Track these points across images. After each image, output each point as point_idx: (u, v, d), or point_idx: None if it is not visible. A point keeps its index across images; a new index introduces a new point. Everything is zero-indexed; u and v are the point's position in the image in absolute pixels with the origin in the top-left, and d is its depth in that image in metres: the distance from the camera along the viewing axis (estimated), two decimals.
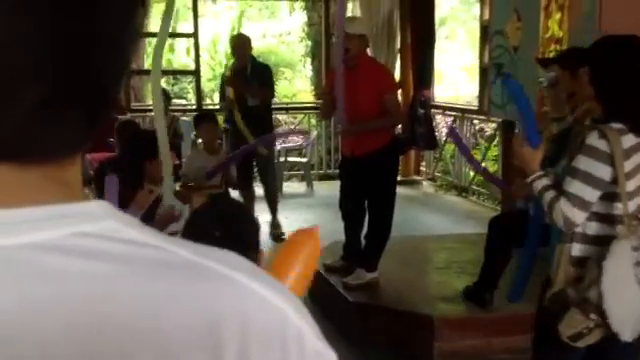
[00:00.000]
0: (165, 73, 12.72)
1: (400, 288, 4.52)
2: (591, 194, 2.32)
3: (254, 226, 1.81)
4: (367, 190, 4.57)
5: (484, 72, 7.14)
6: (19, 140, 0.43)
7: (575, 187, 2.32)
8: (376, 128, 4.39)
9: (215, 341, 0.43)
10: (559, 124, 3.48)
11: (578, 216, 2.32)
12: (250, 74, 5.96)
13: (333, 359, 0.49)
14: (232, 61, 6.41)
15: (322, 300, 4.73)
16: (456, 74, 14.58)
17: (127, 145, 3.78)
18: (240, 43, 6.16)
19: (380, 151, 4.39)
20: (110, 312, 0.42)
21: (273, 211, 6.38)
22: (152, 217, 3.13)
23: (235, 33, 10.65)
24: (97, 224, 0.45)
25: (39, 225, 0.43)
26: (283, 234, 6.25)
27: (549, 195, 2.39)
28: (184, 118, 7.19)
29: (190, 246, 0.47)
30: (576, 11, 4.23)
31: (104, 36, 0.44)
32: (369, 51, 7.79)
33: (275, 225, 6.38)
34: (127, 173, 2.98)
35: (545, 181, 2.45)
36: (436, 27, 8.69)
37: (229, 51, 7.27)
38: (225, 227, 1.66)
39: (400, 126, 8.57)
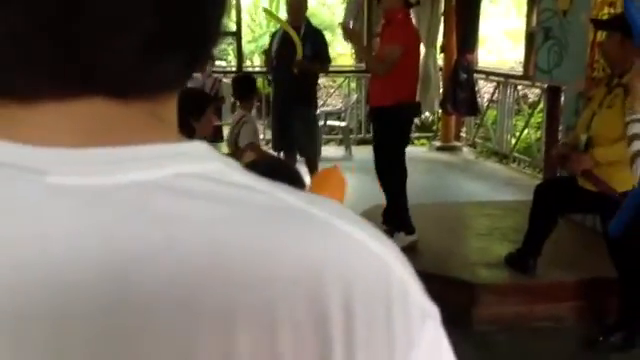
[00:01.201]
0: None
1: (440, 254, 4.50)
2: None
3: (302, 182, 1.81)
4: (378, 145, 4.70)
5: (530, 37, 6.99)
6: (129, 73, 0.42)
7: None
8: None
9: (321, 292, 0.42)
10: None
11: None
12: (303, 36, 5.83)
13: (437, 317, 0.48)
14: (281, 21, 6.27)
15: None
16: (500, 38, 14.30)
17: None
18: (296, 2, 5.97)
19: (386, 109, 4.48)
20: (219, 261, 0.41)
21: (313, 174, 6.36)
22: None
23: None
24: (202, 165, 0.44)
25: (143, 164, 0.42)
26: None
27: (637, 145, 2.24)
28: (225, 80, 7.17)
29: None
30: None
31: None
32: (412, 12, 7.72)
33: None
34: None
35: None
36: None
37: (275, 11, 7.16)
38: (281, 180, 1.67)
39: (441, 90, 8.53)
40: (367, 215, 4.79)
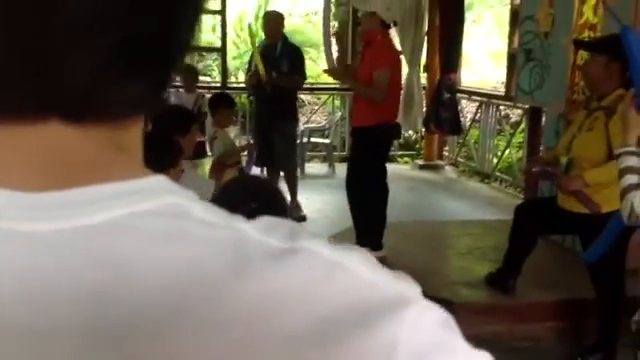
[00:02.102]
0: (191, 49, 12.73)
1: (421, 272, 4.50)
2: None
3: (284, 200, 1.80)
4: (355, 164, 4.79)
5: (512, 58, 7.06)
6: (87, 94, 0.40)
7: None
8: (354, 89, 4.82)
9: (285, 320, 0.40)
10: None
11: None
12: (280, 53, 5.88)
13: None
14: (260, 38, 6.35)
15: None
16: (483, 59, 14.43)
17: (158, 120, 3.71)
18: (272, 20, 6.09)
19: (367, 129, 4.57)
20: (171, 303, 0.39)
21: (292, 192, 6.35)
22: None
23: (263, 11, 10.60)
24: (159, 201, 0.42)
25: (95, 207, 0.40)
26: (303, 216, 6.25)
27: (629, 179, 2.21)
28: (208, 96, 7.18)
29: (254, 223, 0.44)
30: None
31: None
32: (394, 33, 7.77)
33: (294, 207, 6.37)
34: (158, 150, 2.93)
35: (632, 161, 2.25)
36: (465, 10, 8.59)
37: (257, 29, 7.21)
38: (260, 199, 1.66)
39: (424, 109, 8.58)
40: (349, 232, 4.81)
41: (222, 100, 5.23)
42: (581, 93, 4.62)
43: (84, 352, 0.38)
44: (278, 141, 5.84)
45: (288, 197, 6.32)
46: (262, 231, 0.43)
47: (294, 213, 6.29)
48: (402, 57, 8.49)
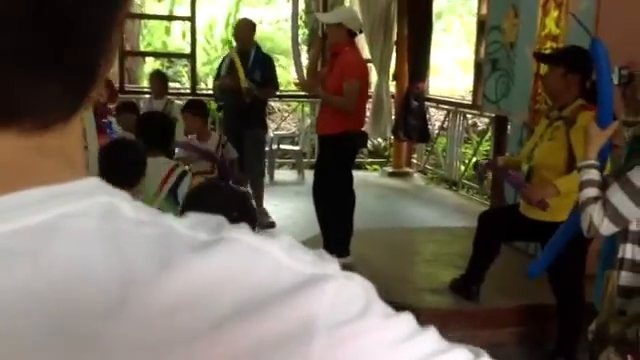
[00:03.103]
0: (160, 56, 12.76)
1: (387, 279, 4.54)
2: (630, 212, 2.16)
3: (254, 207, 1.82)
4: (321, 171, 4.83)
5: (479, 67, 7.17)
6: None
7: (617, 198, 2.16)
8: (325, 101, 4.80)
9: (213, 309, 0.42)
10: (634, 129, 3.03)
11: (605, 228, 2.18)
12: (252, 62, 5.91)
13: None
14: (232, 45, 6.36)
15: None
16: (451, 68, 14.59)
17: (145, 130, 3.63)
18: (244, 28, 6.11)
19: (333, 137, 4.62)
20: (102, 300, 0.40)
21: (258, 198, 6.35)
22: None
23: (233, 18, 10.59)
24: (89, 201, 0.43)
25: (21, 211, 0.41)
26: (271, 222, 6.25)
27: (588, 192, 2.23)
28: (178, 102, 7.16)
29: (182, 219, 0.46)
30: (573, 9, 4.24)
31: None
32: (363, 41, 7.83)
33: (261, 213, 6.35)
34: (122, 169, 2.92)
35: (592, 175, 2.28)
36: (433, 20, 8.69)
37: (225, 36, 7.22)
38: (238, 208, 1.68)
39: (393, 116, 8.66)
40: (317, 239, 4.83)
41: (194, 107, 5.22)
42: (544, 103, 4.71)
43: (17, 352, 0.40)
44: (247, 147, 5.85)
45: (254, 204, 6.34)
46: (189, 226, 0.45)
47: (261, 219, 6.28)
48: (371, 65, 8.61)
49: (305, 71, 5.11)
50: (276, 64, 6.63)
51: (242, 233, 0.45)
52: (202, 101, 5.65)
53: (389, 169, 9.24)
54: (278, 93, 7.44)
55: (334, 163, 4.64)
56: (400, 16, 8.69)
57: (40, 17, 0.40)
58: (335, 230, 4.74)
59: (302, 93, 9.47)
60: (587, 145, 2.36)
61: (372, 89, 8.72)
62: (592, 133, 2.34)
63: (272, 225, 6.19)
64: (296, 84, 5.20)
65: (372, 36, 8.73)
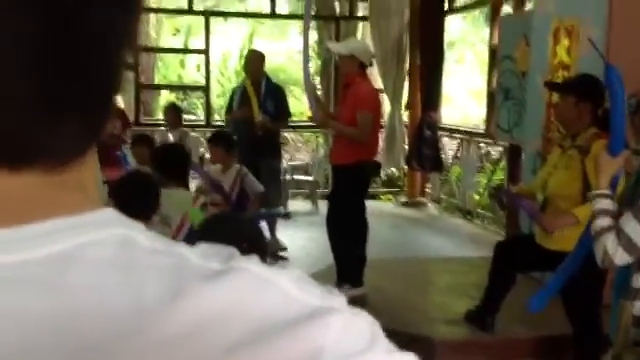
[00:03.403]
0: (175, 88, 12.91)
1: (401, 309, 4.52)
2: None
3: (264, 238, 1.82)
4: (335, 201, 4.81)
5: (491, 96, 7.18)
6: (15, 139, 0.42)
7: (631, 227, 2.15)
8: (339, 132, 4.77)
9: (224, 338, 0.43)
10: None
11: (619, 257, 2.16)
12: (264, 93, 5.97)
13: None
14: (243, 77, 6.42)
15: None
16: (464, 97, 14.62)
17: (163, 162, 3.63)
18: (255, 59, 6.18)
19: (346, 167, 4.62)
20: (120, 326, 0.42)
21: (272, 228, 6.37)
22: None
23: (247, 50, 10.70)
24: (106, 232, 0.44)
25: (41, 241, 0.42)
26: (281, 252, 6.26)
27: (602, 222, 2.22)
28: (193, 134, 7.22)
29: (200, 250, 0.47)
30: (583, 37, 4.26)
31: (95, 35, 0.44)
32: (376, 71, 7.88)
33: (274, 242, 6.36)
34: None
35: (605, 204, 2.26)
36: (445, 50, 8.75)
37: (239, 68, 7.30)
38: (248, 238, 1.69)
39: (407, 146, 8.67)
40: (330, 269, 4.82)
41: (217, 138, 5.27)
42: (556, 131, 4.70)
43: None
44: (262, 178, 5.87)
45: (267, 233, 6.34)
46: (202, 256, 0.46)
47: (274, 249, 6.29)
48: (384, 95, 8.66)
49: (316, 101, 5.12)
50: (289, 95, 6.69)
51: (252, 264, 0.46)
52: (225, 133, 5.69)
53: (403, 199, 9.23)
54: (291, 124, 7.52)
55: (348, 193, 4.64)
56: (412, 46, 8.75)
57: (60, 64, 0.42)
58: (349, 260, 4.73)
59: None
60: (598, 174, 2.35)
61: (385, 119, 8.79)
62: (603, 161, 2.34)
63: (283, 256, 6.19)
64: (309, 117, 5.23)
65: (385, 66, 8.79)
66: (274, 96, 5.96)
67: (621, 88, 2.47)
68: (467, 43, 16.06)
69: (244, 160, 5.97)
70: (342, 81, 4.83)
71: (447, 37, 9.10)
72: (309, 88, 4.78)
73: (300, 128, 9.93)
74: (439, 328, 4.25)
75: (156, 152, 3.85)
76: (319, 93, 5.29)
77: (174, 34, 13.76)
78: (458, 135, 8.92)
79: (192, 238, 3.09)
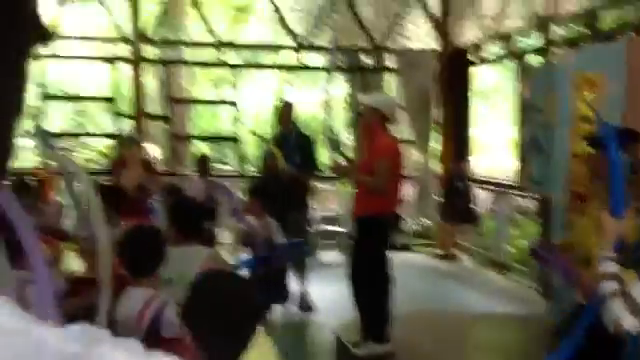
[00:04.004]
0: (206, 139, 13.11)
1: None
2: None
3: (248, 296, 1.77)
4: (356, 254, 4.73)
5: (522, 147, 7.10)
6: None
7: (638, 291, 2.11)
8: (357, 182, 4.78)
9: None
10: None
11: (629, 322, 2.12)
12: (293, 144, 6.01)
13: None
14: (277, 128, 6.49)
15: None
16: (499, 147, 14.53)
17: (178, 217, 3.62)
18: (283, 110, 6.26)
19: (365, 219, 4.61)
20: None
21: (301, 280, 6.32)
22: None
23: (279, 100, 10.82)
24: None
25: None
26: (310, 306, 6.20)
27: (609, 286, 2.17)
28: (223, 183, 7.27)
29: (59, 331, 0.47)
30: (603, 93, 4.24)
31: None
32: (404, 121, 7.87)
33: (303, 295, 6.30)
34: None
35: (610, 267, 2.21)
36: (479, 100, 8.75)
37: (271, 118, 7.38)
38: (229, 301, 1.67)
39: (438, 198, 8.59)
40: (355, 323, 4.73)
41: (252, 190, 5.34)
42: (583, 184, 4.60)
43: None
44: (288, 229, 5.87)
45: (297, 286, 6.29)
46: (63, 338, 0.46)
47: (302, 301, 6.22)
48: (413, 146, 8.65)
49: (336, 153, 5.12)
50: (322, 144, 6.70)
51: (115, 350, 0.45)
52: (262, 185, 5.76)
53: (436, 251, 9.10)
54: (321, 174, 7.54)
55: (368, 245, 4.58)
56: (439, 97, 8.76)
57: None
58: (371, 315, 4.63)
59: None
60: (602, 237, 2.28)
61: (414, 170, 8.76)
62: (606, 223, 2.28)
63: (310, 308, 6.13)
64: (329, 167, 5.24)
65: (412, 116, 8.80)
66: (302, 147, 5.99)
67: (616, 147, 2.41)
68: (502, 93, 16.05)
69: (272, 210, 5.98)
70: (364, 132, 4.85)
71: (482, 86, 9.15)
72: (330, 138, 4.80)
73: (331, 178, 9.92)
74: None
75: (172, 207, 3.83)
76: (344, 142, 5.29)
77: (216, 87, 14.03)
78: (490, 187, 8.81)
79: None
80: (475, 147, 10.24)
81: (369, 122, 4.74)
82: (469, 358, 4.72)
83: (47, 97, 8.79)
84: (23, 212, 1.68)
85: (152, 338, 2.60)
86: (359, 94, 6.76)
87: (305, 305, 6.20)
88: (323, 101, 4.80)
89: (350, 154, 5.44)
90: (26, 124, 12.59)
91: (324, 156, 8.26)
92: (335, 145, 4.85)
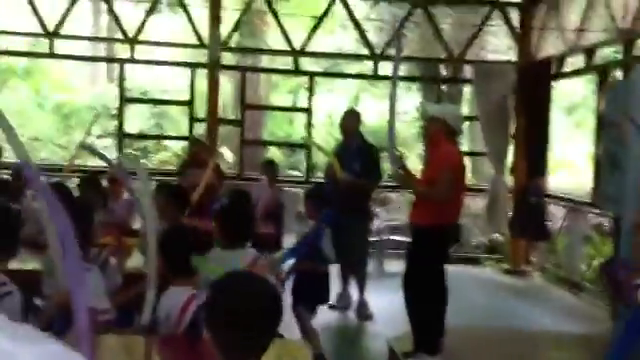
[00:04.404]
0: (276, 145, 13.31)
1: None
2: None
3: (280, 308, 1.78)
4: (412, 263, 4.64)
5: (599, 164, 6.86)
6: None
7: None
8: (416, 192, 4.67)
9: None
10: None
11: None
12: (353, 152, 6.00)
13: None
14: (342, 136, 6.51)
15: None
16: (579, 163, 14.11)
17: (224, 223, 3.65)
18: (349, 118, 6.27)
19: (423, 228, 4.49)
20: None
21: (360, 289, 6.31)
22: None
23: (346, 109, 10.89)
24: None
25: None
26: (368, 314, 6.16)
27: None
28: (294, 190, 7.34)
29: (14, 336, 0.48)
30: None
31: None
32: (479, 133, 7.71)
33: (361, 304, 6.29)
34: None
35: None
36: (562, 114, 8.50)
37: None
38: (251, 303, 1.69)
39: (510, 213, 8.36)
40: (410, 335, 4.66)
41: (309, 194, 5.30)
42: None
43: None
44: (348, 238, 5.87)
45: (356, 294, 6.29)
46: (18, 344, 0.48)
47: (360, 309, 6.21)
48: (487, 159, 8.47)
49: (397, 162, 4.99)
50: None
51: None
52: (318, 189, 5.75)
53: (505, 266, 8.89)
54: (389, 183, 7.50)
55: (424, 256, 4.50)
56: (517, 109, 8.56)
57: None
58: (425, 325, 4.55)
59: None
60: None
61: (487, 183, 8.58)
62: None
63: (369, 317, 6.11)
64: (389, 175, 5.18)
65: (487, 128, 8.64)
66: (363, 156, 5.97)
67: None
68: (589, 107, 15.56)
69: (334, 221, 5.98)
70: (428, 142, 4.75)
71: (567, 101, 8.86)
72: (392, 148, 4.71)
73: (399, 188, 9.87)
74: None
75: (219, 211, 3.84)
76: (404, 153, 5.21)
77: (293, 94, 14.21)
78: (566, 203, 8.54)
79: None
80: (554, 162, 9.97)
81: (432, 132, 4.64)
82: None
83: (128, 100, 9.12)
84: (59, 204, 1.74)
85: (192, 337, 2.66)
86: (428, 104, 6.69)
87: (363, 313, 6.18)
88: (389, 105, 4.69)
89: (411, 165, 5.33)
90: (107, 125, 13.16)
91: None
92: (394, 155, 4.74)
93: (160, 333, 2.85)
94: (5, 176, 6.18)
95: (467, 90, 10.77)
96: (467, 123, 11.60)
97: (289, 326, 4.83)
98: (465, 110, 11.58)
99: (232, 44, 9.21)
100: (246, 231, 3.53)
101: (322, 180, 6.77)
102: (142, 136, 12.96)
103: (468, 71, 9.39)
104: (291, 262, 4.85)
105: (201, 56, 9.03)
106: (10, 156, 10.76)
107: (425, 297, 4.48)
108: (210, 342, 1.72)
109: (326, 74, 11.61)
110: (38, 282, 3.16)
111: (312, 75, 9.20)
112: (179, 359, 2.63)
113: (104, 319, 3.12)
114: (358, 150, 6.01)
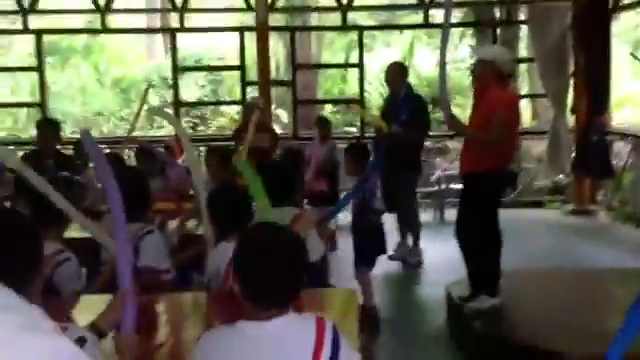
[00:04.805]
0: (329, 102, 13.29)
1: (534, 322, 4.28)
2: None
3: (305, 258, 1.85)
4: (464, 210, 4.56)
5: None
6: None
7: None
8: (473, 137, 4.47)
9: None
10: None
11: None
12: (400, 103, 5.98)
13: None
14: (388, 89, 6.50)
15: (456, 331, 4.66)
16: None
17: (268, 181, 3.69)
18: (393, 71, 6.23)
19: (476, 175, 4.38)
20: None
21: (414, 239, 6.40)
22: None
23: (408, 61, 10.72)
24: None
25: None
26: (420, 262, 6.30)
27: None
28: (343, 146, 7.35)
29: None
30: None
31: None
32: (536, 76, 7.51)
33: (412, 252, 6.37)
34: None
35: None
36: (611, 50, 8.19)
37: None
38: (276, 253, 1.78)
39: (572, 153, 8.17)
40: (465, 280, 4.69)
41: (350, 150, 5.28)
42: None
43: None
44: (396, 190, 5.89)
45: (410, 242, 6.36)
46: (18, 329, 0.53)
47: (411, 258, 6.30)
48: (545, 100, 8.26)
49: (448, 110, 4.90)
50: (453, 103, 6.59)
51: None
52: (358, 144, 5.75)
53: (570, 207, 8.73)
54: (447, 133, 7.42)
55: (477, 203, 4.44)
56: (576, 47, 8.29)
57: None
58: (481, 271, 4.55)
59: None
60: None
61: (548, 125, 8.37)
62: None
63: (419, 264, 6.26)
64: (443, 123, 5.10)
65: (545, 69, 8.43)
66: (411, 105, 5.93)
67: None
68: None
69: (384, 171, 6.00)
70: (477, 86, 4.58)
71: (633, 35, 8.47)
72: (443, 95, 4.62)
73: (460, 136, 9.76)
74: (580, 344, 3.96)
75: (262, 171, 3.89)
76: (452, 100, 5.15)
77: (348, 52, 14.13)
78: (630, 139, 8.29)
79: None
80: (618, 99, 9.65)
81: (481, 75, 4.46)
82: (583, 314, 4.50)
83: (181, 69, 9.27)
84: (111, 173, 1.84)
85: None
86: (476, 47, 6.56)
87: (412, 261, 6.28)
88: (440, 52, 4.51)
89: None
90: (164, 94, 13.42)
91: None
92: (446, 102, 4.66)
93: (212, 288, 2.97)
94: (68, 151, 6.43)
95: (523, 34, 10.46)
96: (524, 65, 11.33)
97: (349, 278, 4.95)
98: (523, 53, 11.29)
99: (280, 4, 9.20)
100: (289, 187, 3.59)
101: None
102: (197, 103, 13.17)
103: (523, 13, 9.13)
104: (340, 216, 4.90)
105: (250, 20, 9.08)
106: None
107: (479, 243, 4.46)
108: (238, 293, 1.79)
109: (374, 27, 11.42)
110: (99, 249, 3.31)
111: (361, 29, 9.11)
112: (228, 313, 2.74)
113: (165, 279, 3.28)
114: (404, 101, 5.98)
